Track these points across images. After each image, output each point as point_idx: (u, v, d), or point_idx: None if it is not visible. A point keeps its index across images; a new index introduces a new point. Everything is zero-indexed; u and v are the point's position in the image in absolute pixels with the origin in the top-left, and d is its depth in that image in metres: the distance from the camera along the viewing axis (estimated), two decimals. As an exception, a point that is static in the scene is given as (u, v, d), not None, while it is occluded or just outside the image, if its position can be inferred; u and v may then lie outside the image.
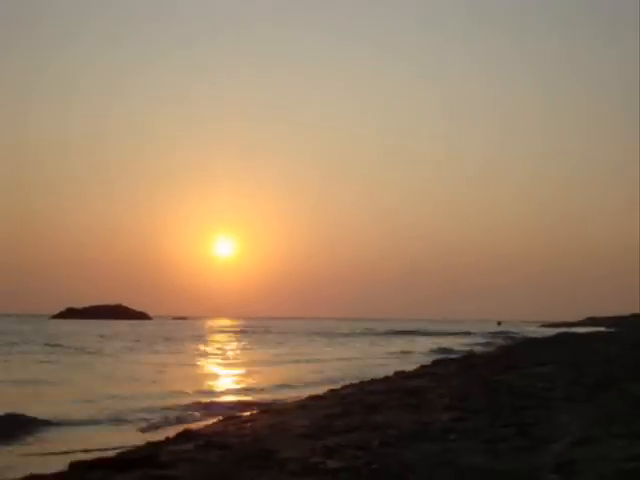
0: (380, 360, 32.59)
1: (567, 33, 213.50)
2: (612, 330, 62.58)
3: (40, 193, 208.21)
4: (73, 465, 6.70)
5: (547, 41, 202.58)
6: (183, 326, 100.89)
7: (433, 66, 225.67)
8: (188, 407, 15.06)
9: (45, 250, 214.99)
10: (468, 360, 21.91)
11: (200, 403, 15.69)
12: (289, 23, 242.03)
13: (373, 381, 16.40)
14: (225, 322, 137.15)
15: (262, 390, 19.04)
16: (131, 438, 10.73)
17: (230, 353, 40.22)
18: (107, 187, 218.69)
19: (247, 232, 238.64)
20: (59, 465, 7.34)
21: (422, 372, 17.94)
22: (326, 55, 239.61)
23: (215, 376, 25.52)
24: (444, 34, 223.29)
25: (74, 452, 9.52)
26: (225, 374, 26.25)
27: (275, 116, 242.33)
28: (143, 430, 12.19)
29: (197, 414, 14.02)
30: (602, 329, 68.67)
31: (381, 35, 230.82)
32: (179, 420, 13.07)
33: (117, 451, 8.30)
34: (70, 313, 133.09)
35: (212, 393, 18.90)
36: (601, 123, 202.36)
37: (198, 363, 31.44)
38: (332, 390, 14.83)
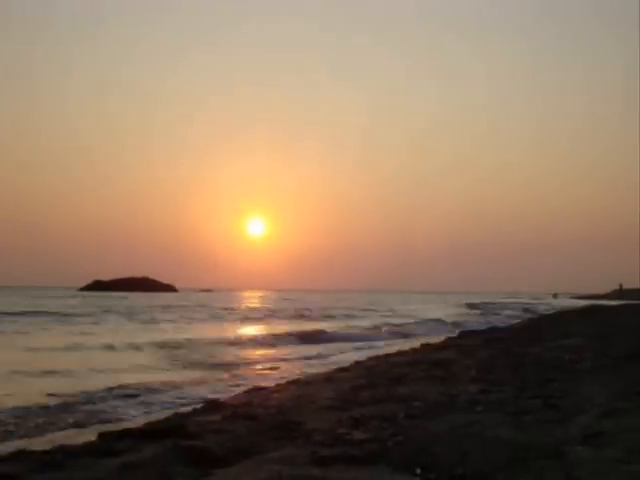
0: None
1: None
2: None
3: (70, 163, 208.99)
4: (102, 435, 6.78)
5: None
6: (227, 297, 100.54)
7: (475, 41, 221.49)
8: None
9: (71, 222, 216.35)
10: (495, 332, 21.87)
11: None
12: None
13: (399, 353, 16.44)
14: (257, 294, 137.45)
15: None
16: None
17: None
18: (137, 159, 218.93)
19: (277, 209, 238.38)
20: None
21: (448, 344, 17.94)
22: (371, 26, 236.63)
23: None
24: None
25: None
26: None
27: (312, 93, 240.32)
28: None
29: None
30: (632, 301, 68.11)
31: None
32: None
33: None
34: (97, 286, 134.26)
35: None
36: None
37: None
38: (358, 362, 14.88)
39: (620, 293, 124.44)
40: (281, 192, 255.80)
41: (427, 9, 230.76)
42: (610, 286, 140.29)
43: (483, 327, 29.60)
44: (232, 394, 11.60)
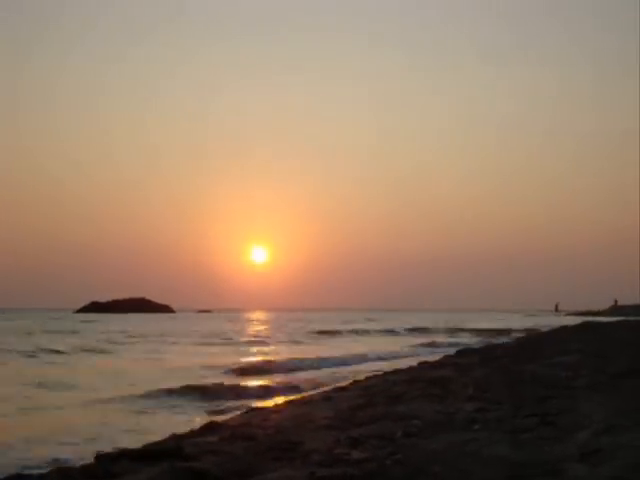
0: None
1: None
2: (637, 318, 62.08)
3: (65, 183, 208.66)
4: (99, 457, 6.78)
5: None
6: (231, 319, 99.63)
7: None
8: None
9: (66, 244, 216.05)
10: (491, 350, 21.88)
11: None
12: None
13: (396, 371, 16.44)
14: (259, 315, 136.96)
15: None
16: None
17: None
18: (135, 179, 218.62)
19: (276, 231, 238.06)
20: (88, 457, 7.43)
21: (445, 362, 17.93)
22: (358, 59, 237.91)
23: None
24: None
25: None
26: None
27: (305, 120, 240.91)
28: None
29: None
30: (629, 318, 68.17)
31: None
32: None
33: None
34: (94, 307, 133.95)
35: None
36: None
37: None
38: (356, 381, 14.88)
39: (615, 308, 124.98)
40: (281, 214, 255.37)
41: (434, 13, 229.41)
42: (605, 303, 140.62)
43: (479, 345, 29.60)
44: (230, 415, 11.59)
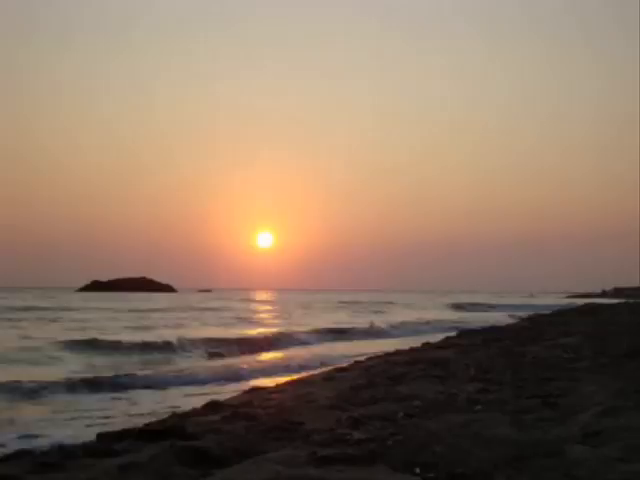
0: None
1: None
2: (638, 301, 62.09)
3: (71, 164, 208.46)
4: (101, 436, 6.79)
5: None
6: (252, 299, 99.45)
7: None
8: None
9: (68, 223, 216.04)
10: (493, 332, 21.88)
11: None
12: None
13: (398, 352, 16.43)
14: (261, 294, 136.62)
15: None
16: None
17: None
18: (138, 160, 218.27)
19: (279, 212, 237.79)
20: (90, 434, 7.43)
21: (447, 343, 17.94)
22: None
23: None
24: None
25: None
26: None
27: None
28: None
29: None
30: (629, 300, 68.17)
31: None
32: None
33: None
34: (95, 286, 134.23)
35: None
36: None
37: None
38: (357, 362, 14.87)
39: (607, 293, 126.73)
40: (284, 197, 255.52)
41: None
42: (607, 285, 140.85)
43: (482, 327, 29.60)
44: (232, 394, 11.60)
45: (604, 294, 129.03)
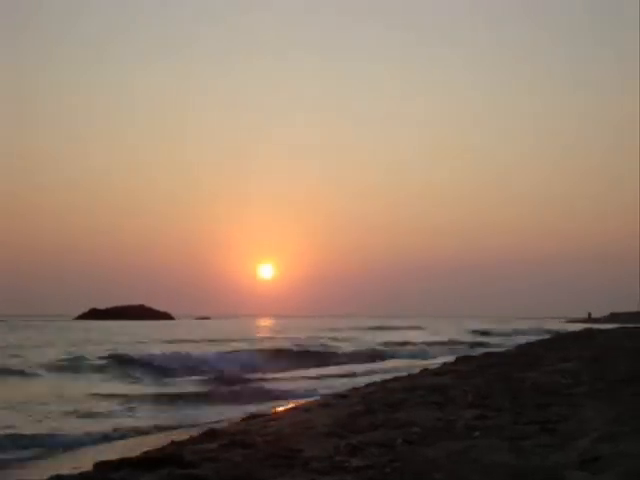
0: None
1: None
2: (637, 325, 62.08)
3: (64, 192, 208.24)
4: (98, 465, 6.76)
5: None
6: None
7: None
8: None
9: (65, 251, 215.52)
10: (491, 357, 21.85)
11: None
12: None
13: (396, 379, 16.41)
14: (263, 321, 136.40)
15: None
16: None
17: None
18: (134, 188, 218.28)
19: (278, 238, 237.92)
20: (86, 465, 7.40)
21: (445, 369, 17.91)
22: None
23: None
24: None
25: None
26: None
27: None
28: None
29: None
30: (626, 325, 68.21)
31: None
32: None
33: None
34: (94, 314, 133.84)
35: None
36: None
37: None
38: (355, 389, 14.85)
39: (589, 320, 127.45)
40: (283, 224, 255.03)
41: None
42: (602, 311, 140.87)
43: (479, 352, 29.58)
44: (229, 422, 11.57)
45: (590, 319, 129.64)
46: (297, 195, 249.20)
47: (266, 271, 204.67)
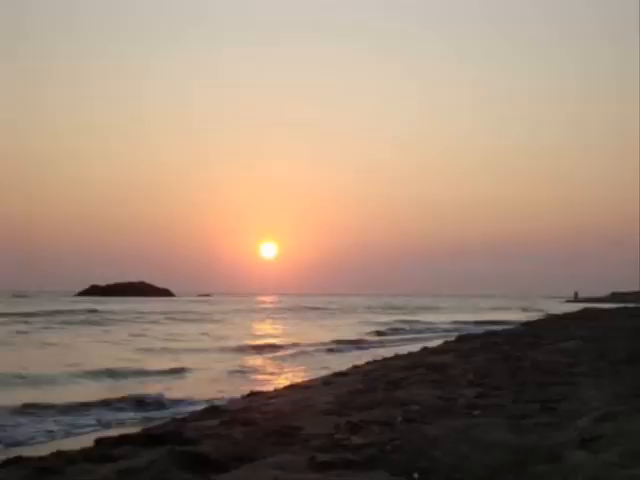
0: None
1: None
2: (638, 305, 62.15)
3: (67, 164, 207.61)
4: (99, 441, 6.78)
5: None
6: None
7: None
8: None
9: (66, 227, 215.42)
10: (492, 336, 21.88)
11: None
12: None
13: (397, 357, 16.44)
14: (266, 299, 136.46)
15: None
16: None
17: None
18: (135, 163, 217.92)
19: (276, 219, 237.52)
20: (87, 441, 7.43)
21: (446, 348, 17.95)
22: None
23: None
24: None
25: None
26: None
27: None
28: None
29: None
30: (628, 305, 68.32)
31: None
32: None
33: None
34: (94, 290, 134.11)
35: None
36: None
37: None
38: (355, 366, 14.88)
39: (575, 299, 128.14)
40: (285, 203, 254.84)
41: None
42: (604, 290, 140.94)
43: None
44: (230, 399, 11.60)
45: (576, 299, 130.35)
46: (297, 175, 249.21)
47: (268, 250, 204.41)
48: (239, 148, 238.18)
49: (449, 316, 55.33)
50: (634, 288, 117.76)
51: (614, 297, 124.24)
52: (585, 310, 49.35)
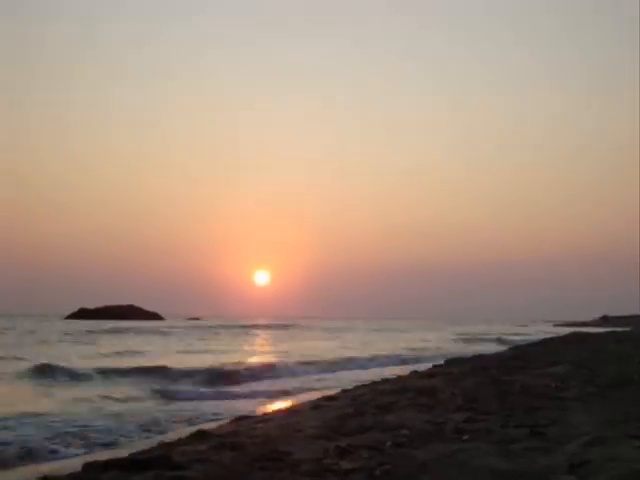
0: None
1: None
2: (626, 329, 62.29)
3: (57, 185, 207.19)
4: (87, 466, 6.73)
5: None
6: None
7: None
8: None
9: (55, 249, 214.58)
10: (481, 360, 21.86)
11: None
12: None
13: (386, 380, 16.40)
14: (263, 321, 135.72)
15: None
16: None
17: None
18: (124, 186, 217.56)
19: (267, 244, 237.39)
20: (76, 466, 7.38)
21: (435, 372, 17.91)
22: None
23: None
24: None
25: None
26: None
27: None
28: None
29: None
30: (616, 328, 68.46)
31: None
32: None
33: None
34: (83, 314, 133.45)
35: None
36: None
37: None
38: (344, 390, 14.84)
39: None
40: (277, 228, 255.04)
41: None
42: (593, 314, 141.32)
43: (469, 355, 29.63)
44: (218, 423, 11.54)
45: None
46: (288, 198, 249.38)
47: (260, 273, 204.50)
48: (228, 168, 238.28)
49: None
50: (624, 312, 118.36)
51: (604, 321, 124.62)
52: (574, 334, 49.40)
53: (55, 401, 15.60)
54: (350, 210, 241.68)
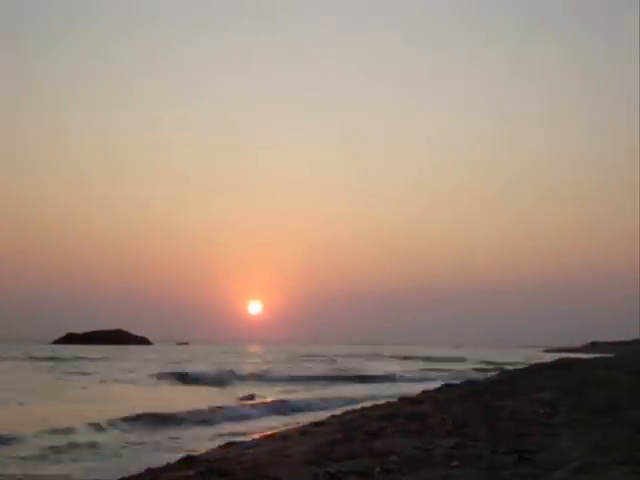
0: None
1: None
2: (614, 355, 62.34)
3: (40, 213, 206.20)
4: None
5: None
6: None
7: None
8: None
9: (42, 275, 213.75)
10: (470, 386, 21.86)
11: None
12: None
13: (375, 406, 16.37)
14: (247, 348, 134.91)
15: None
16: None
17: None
18: (116, 210, 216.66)
19: (256, 267, 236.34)
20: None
21: (424, 397, 17.89)
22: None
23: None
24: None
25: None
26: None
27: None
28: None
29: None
30: (605, 354, 68.52)
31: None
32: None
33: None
34: (70, 338, 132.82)
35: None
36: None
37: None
38: (333, 416, 14.80)
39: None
40: (266, 251, 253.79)
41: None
42: (582, 340, 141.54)
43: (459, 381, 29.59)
44: (207, 449, 11.49)
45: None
46: (277, 228, 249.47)
47: (250, 301, 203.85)
48: (221, 191, 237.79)
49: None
50: (615, 338, 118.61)
51: (592, 347, 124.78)
52: (562, 360, 49.41)
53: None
54: (342, 235, 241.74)
